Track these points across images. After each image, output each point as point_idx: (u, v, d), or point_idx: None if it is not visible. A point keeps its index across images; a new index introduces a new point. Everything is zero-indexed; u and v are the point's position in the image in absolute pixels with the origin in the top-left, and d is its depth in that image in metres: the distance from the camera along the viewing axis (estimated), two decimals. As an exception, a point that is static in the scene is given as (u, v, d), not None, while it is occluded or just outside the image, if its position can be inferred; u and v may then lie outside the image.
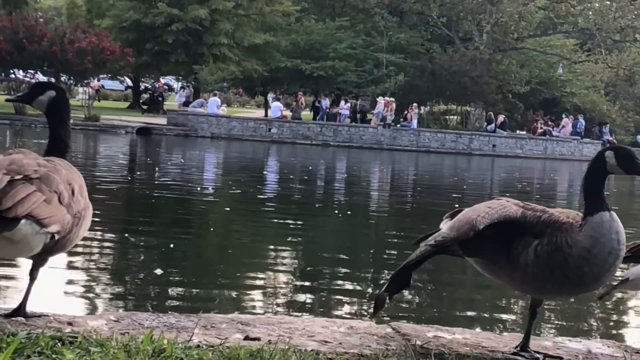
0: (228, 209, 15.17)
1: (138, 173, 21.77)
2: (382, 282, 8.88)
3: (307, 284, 9.08)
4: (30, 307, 3.47)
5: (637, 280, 3.93)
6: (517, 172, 33.01)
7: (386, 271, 9.82)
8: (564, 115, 48.50)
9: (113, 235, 10.92)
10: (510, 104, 50.33)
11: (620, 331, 7.90)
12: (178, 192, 16.86)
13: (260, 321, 3.79)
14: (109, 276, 8.57)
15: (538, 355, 3.57)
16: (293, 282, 9.12)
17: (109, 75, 53.91)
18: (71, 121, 3.70)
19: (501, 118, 44.65)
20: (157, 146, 32.78)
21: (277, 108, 43.02)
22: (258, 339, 3.42)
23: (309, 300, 8.27)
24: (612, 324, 8.26)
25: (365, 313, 7.79)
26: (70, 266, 8.62)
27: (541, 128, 46.44)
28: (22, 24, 40.28)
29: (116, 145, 31.95)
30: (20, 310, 3.43)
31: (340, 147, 39.20)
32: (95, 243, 9.95)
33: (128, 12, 47.15)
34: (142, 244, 10.89)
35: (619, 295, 8.62)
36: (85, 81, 44.16)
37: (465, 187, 23.62)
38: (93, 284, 8.16)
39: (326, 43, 49.11)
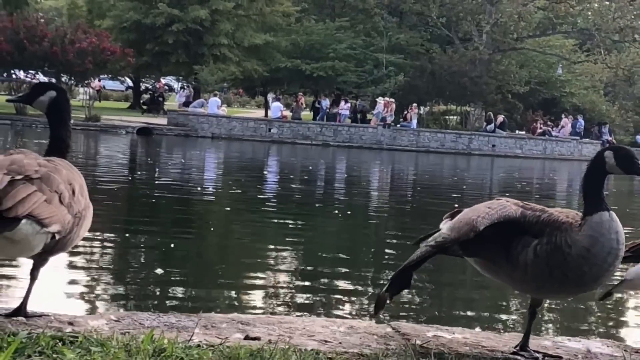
0: (228, 208, 15.20)
1: (139, 173, 21.81)
2: (382, 282, 8.89)
3: (307, 283, 9.08)
4: (31, 307, 3.47)
5: (636, 280, 3.93)
6: (516, 172, 33.05)
7: (386, 271, 9.85)
8: (563, 116, 48.56)
9: (114, 235, 10.93)
10: (509, 104, 50.37)
11: (619, 331, 7.91)
12: (179, 192, 16.89)
13: (261, 321, 3.80)
14: (109, 276, 8.58)
15: (537, 355, 3.58)
16: (293, 281, 9.13)
17: (110, 75, 53.93)
18: (72, 121, 3.72)
19: (500, 118, 44.68)
20: (158, 146, 32.82)
21: (277, 108, 43.07)
22: (258, 338, 3.43)
23: (309, 300, 8.28)
24: (611, 323, 8.27)
25: (365, 313, 7.79)
26: (71, 266, 8.63)
27: (540, 128, 46.50)
28: (22, 25, 40.33)
29: (117, 145, 31.96)
30: (21, 310, 3.44)
31: (340, 147, 39.24)
32: (95, 243, 9.96)
33: (128, 13, 47.19)
34: (142, 243, 10.91)
35: (618, 295, 8.48)
36: (86, 81, 44.20)
37: (464, 187, 23.65)
38: (94, 283, 8.17)
39: (326, 43, 49.17)
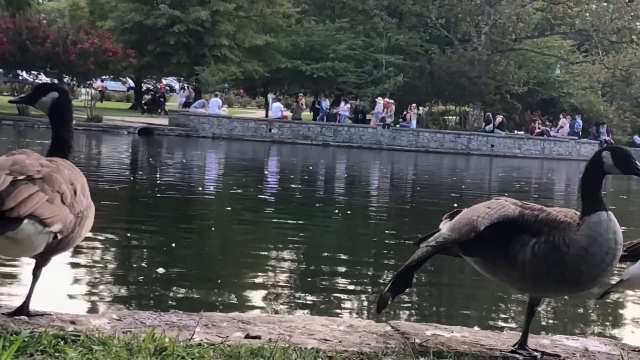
0: (229, 208, 15.21)
1: (140, 173, 21.86)
2: (381, 281, 9.02)
3: (307, 283, 9.10)
4: (33, 306, 3.48)
5: (633, 279, 3.94)
6: (515, 171, 33.10)
7: (386, 271, 9.89)
8: (561, 116, 48.59)
9: (115, 235, 10.95)
10: (508, 104, 50.44)
11: (617, 329, 7.95)
12: (180, 192, 16.94)
13: (261, 320, 3.80)
14: (111, 275, 8.60)
15: (536, 353, 3.58)
16: (293, 281, 9.15)
17: (112, 76, 54.03)
18: (74, 122, 3.73)
19: (499, 118, 44.75)
20: (159, 146, 32.89)
21: (277, 109, 43.15)
22: (259, 337, 3.44)
23: (309, 299, 8.31)
24: (609, 322, 8.30)
25: (365, 312, 7.85)
26: (73, 265, 8.65)
27: (539, 128, 46.57)
28: (25, 26, 40.36)
29: (118, 145, 32.04)
30: (23, 309, 3.44)
31: (340, 147, 39.32)
32: (97, 242, 9.96)
33: (130, 14, 47.20)
34: (144, 243, 10.94)
35: (616, 293, 8.52)
36: (88, 82, 44.33)
37: (463, 186, 23.71)
38: (95, 283, 8.17)
39: (326, 44, 49.24)
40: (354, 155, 36.02)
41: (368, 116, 44.81)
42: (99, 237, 10.20)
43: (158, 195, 16.25)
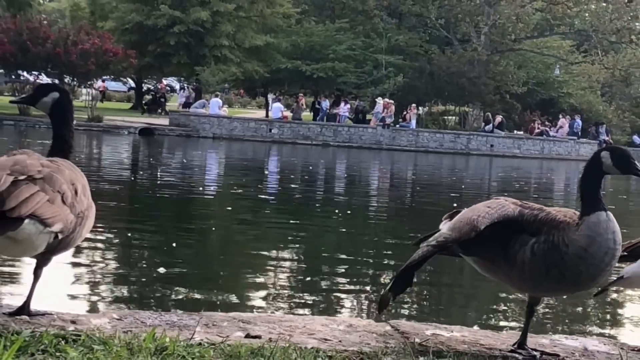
0: (230, 208, 15.21)
1: (141, 173, 21.89)
2: (381, 281, 9.06)
3: (307, 283, 9.11)
4: (34, 306, 3.48)
5: (633, 277, 3.95)
6: (514, 171, 33.15)
7: (385, 271, 9.92)
8: (560, 116, 48.62)
9: (116, 235, 10.97)
10: (507, 104, 50.50)
11: (616, 329, 7.96)
12: (180, 192, 16.98)
13: (261, 319, 3.81)
14: (112, 275, 8.61)
15: (535, 353, 3.59)
16: (293, 281, 9.18)
17: (112, 76, 54.13)
18: (74, 122, 3.73)
19: (499, 118, 44.79)
20: (160, 146, 32.95)
21: (277, 109, 43.20)
22: (259, 337, 3.44)
23: (309, 299, 8.33)
24: (608, 321, 8.31)
25: (365, 311, 7.89)
26: (74, 265, 8.67)
27: (538, 128, 46.60)
28: (26, 26, 40.41)
29: (119, 145, 32.12)
30: (24, 309, 3.45)
31: (340, 147, 39.37)
32: (98, 242, 9.98)
33: (131, 15, 47.25)
34: (144, 243, 10.95)
35: (615, 293, 8.68)
36: (89, 82, 44.42)
37: (463, 186, 23.75)
38: (96, 282, 8.19)
39: (326, 45, 49.29)
40: (353, 155, 36.06)
41: (368, 116, 44.89)
42: (100, 237, 10.22)
43: (159, 195, 16.31)
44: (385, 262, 10.77)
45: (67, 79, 41.30)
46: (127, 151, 30.44)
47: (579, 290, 3.64)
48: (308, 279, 9.36)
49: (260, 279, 9.16)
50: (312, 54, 49.24)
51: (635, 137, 51.68)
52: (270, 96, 52.64)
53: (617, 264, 3.53)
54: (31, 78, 41.74)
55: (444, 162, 36.52)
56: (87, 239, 3.92)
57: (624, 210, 18.62)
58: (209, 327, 3.56)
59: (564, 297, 7.67)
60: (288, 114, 45.04)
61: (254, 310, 7.43)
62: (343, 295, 8.54)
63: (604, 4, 51.66)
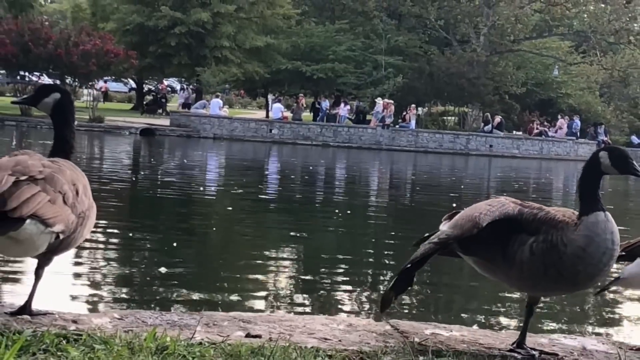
0: (230, 208, 15.21)
1: (142, 173, 21.90)
2: (381, 280, 9.11)
3: (307, 282, 9.12)
4: (35, 305, 3.49)
5: (631, 277, 3.95)
6: (513, 172, 33.19)
7: (385, 270, 9.95)
8: (559, 116, 48.67)
9: (117, 235, 10.99)
10: (506, 105, 50.56)
11: (614, 328, 7.95)
12: (181, 192, 16.99)
13: (262, 319, 3.81)
14: (113, 275, 8.61)
15: (534, 352, 3.59)
16: (293, 280, 9.18)
17: (113, 77, 54.25)
18: (76, 123, 3.74)
19: (498, 119, 44.85)
20: (161, 147, 33.00)
21: (278, 109, 43.21)
22: (259, 336, 3.44)
23: (309, 299, 8.35)
24: (606, 321, 8.30)
25: (365, 311, 7.91)
26: (75, 265, 8.69)
27: (537, 129, 46.64)
28: (27, 27, 40.48)
29: (120, 146, 32.18)
30: (25, 309, 3.45)
31: (340, 148, 39.41)
32: (99, 242, 9.99)
33: (132, 16, 47.33)
34: (145, 243, 10.97)
35: (614, 292, 8.67)
36: (90, 83, 44.54)
37: (462, 186, 23.78)
38: (97, 282, 8.19)
39: (326, 45, 49.35)
40: (353, 156, 36.10)
41: (368, 117, 44.96)
42: (101, 237, 10.24)
43: (159, 195, 16.35)
44: (386, 262, 10.79)
45: (68, 80, 41.36)
46: (128, 151, 30.49)
47: (578, 290, 3.65)
48: (308, 279, 9.38)
49: (261, 279, 9.16)
50: (312, 55, 49.30)
51: (633, 138, 51.77)
52: (271, 97, 52.69)
53: (616, 264, 3.54)
54: (34, 79, 41.83)
55: (443, 162, 36.54)
56: (88, 239, 3.87)
57: (623, 211, 18.65)
58: (209, 326, 3.57)
59: (563, 296, 7.76)
60: (288, 114, 45.04)
61: (254, 309, 7.44)
62: (343, 295, 8.55)
63: (603, 5, 51.71)
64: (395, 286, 3.57)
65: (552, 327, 7.51)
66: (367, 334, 3.68)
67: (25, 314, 3.42)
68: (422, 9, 49.72)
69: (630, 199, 24.65)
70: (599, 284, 3.84)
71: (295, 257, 10.99)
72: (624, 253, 3.85)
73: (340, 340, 3.52)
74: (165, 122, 42.12)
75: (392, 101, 43.50)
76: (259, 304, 7.92)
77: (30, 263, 4.52)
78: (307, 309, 7.80)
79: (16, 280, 7.77)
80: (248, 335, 3.46)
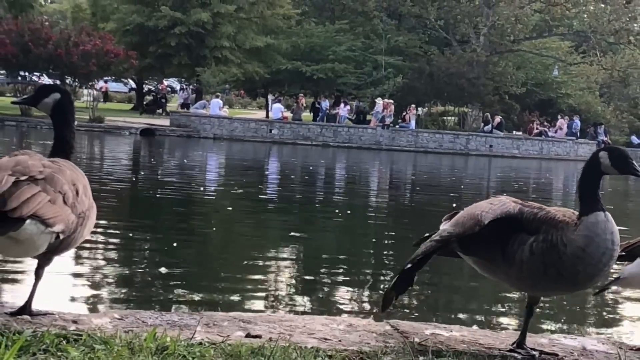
0: (230, 208, 15.21)
1: (142, 173, 21.90)
2: (381, 280, 9.09)
3: (307, 283, 9.12)
4: (35, 306, 3.49)
5: (631, 277, 3.96)
6: (513, 172, 33.20)
7: (385, 270, 9.94)
8: (559, 116, 48.73)
9: (117, 235, 10.99)
10: (506, 105, 50.58)
11: (614, 328, 7.96)
12: (181, 192, 16.99)
13: (262, 319, 3.81)
14: (113, 275, 8.61)
15: (534, 352, 3.60)
16: (293, 281, 9.19)
17: (113, 77, 54.30)
18: (76, 123, 3.75)
19: (498, 119, 44.89)
20: (161, 147, 33.00)
21: (277, 109, 43.23)
22: (259, 336, 3.45)
23: (309, 299, 8.35)
24: (606, 321, 8.30)
25: (365, 311, 7.91)
26: (75, 265, 8.69)
27: (537, 129, 46.68)
28: (27, 27, 40.51)
29: (120, 146, 32.18)
30: (26, 309, 3.46)
31: (340, 148, 39.42)
32: (99, 242, 9.98)
33: (132, 16, 47.36)
34: (145, 243, 10.97)
35: (614, 292, 8.68)
36: (90, 83, 44.57)
37: (462, 186, 23.79)
38: (97, 282, 8.20)
39: (326, 46, 49.37)
40: (353, 156, 36.11)
41: (368, 117, 44.97)
42: (101, 237, 10.24)
43: (160, 195, 16.32)
44: (386, 262, 10.79)
45: (68, 80, 41.41)
46: (128, 152, 30.50)
47: (577, 290, 3.65)
48: (308, 278, 9.38)
49: (261, 279, 9.17)
50: (312, 55, 49.33)
51: (633, 138, 51.83)
52: (271, 97, 52.73)
53: (616, 264, 3.54)
54: (35, 79, 41.87)
55: (443, 162, 36.56)
56: (88, 239, 3.83)
57: (623, 211, 18.66)
58: (209, 326, 3.57)
59: (563, 296, 7.76)
60: (288, 114, 45.05)
61: (254, 309, 7.44)
62: (343, 295, 8.55)
63: (603, 5, 51.74)
64: (396, 286, 3.57)
65: (552, 327, 7.52)
66: (367, 334, 3.68)
67: (25, 314, 3.43)
68: (422, 9, 49.75)
69: (630, 199, 24.68)
70: (599, 283, 3.83)
71: (295, 257, 11.00)
72: (624, 253, 3.85)
73: (340, 341, 3.52)
74: (165, 122, 42.14)
75: (392, 101, 43.54)
76: (259, 304, 7.91)
77: (30, 263, 4.52)
78: (307, 309, 7.79)
79: (16, 280, 7.77)
80: (248, 336, 3.47)
